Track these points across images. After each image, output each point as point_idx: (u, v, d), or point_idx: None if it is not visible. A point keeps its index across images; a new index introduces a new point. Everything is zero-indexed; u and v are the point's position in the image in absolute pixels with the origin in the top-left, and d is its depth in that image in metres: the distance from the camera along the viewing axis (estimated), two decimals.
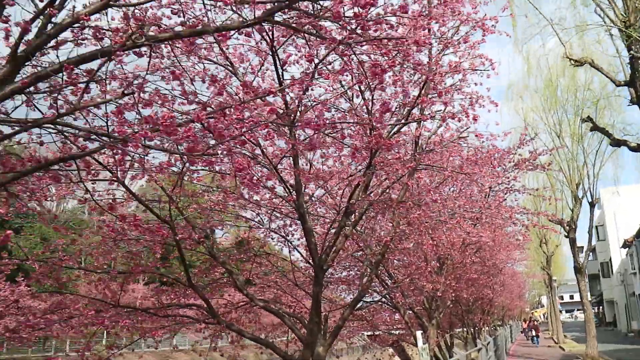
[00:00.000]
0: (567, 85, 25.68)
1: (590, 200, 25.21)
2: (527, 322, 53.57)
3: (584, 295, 25.76)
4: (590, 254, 27.36)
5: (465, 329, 28.83)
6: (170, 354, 43.74)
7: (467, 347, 29.23)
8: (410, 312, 16.54)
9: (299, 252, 10.36)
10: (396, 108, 9.32)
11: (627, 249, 52.89)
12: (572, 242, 25.67)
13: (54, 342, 38.46)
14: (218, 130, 4.59)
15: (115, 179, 6.93)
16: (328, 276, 12.61)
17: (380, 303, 17.79)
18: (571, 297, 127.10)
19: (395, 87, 7.22)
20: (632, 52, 10.92)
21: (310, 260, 9.31)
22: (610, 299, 67.04)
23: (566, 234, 25.78)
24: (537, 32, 17.92)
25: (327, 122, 6.56)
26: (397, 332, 20.05)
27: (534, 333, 41.03)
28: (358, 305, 12.05)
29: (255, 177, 7.45)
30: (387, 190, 9.71)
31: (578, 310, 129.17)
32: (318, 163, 9.68)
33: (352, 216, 9.81)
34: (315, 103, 6.95)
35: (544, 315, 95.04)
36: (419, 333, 10.89)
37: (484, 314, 31.42)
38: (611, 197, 51.63)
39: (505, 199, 13.41)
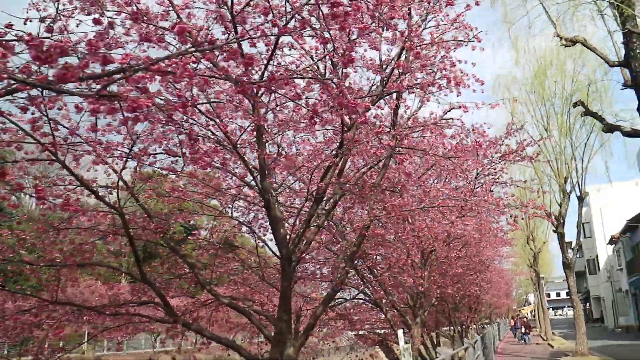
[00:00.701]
0: (555, 77, 24.98)
1: (579, 194, 24.52)
2: (515, 319, 52.99)
3: (573, 292, 25.01)
4: (577, 251, 26.59)
5: (452, 328, 28.04)
6: (154, 355, 42.56)
7: (454, 346, 28.49)
8: (394, 310, 15.71)
9: (266, 244, 9.45)
10: (372, 86, 8.53)
11: (614, 245, 52.80)
12: (561, 236, 24.94)
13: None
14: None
15: (53, 158, 6.05)
16: (301, 270, 11.72)
17: (362, 301, 16.98)
18: (557, 294, 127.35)
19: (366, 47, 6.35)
20: (627, 27, 10.14)
21: (278, 253, 8.43)
22: (597, 296, 66.99)
23: (554, 229, 25.06)
24: (525, 15, 17.18)
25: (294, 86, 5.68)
26: (382, 331, 19.22)
27: (524, 330, 39.84)
28: (334, 302, 11.16)
29: (209, 154, 6.56)
30: (363, 176, 8.86)
31: (569, 307, 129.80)
32: (288, 145, 8.82)
33: (326, 204, 8.98)
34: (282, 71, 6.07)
35: (531, 313, 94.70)
36: (400, 332, 10.06)
37: (471, 311, 30.69)
38: (597, 193, 51.48)
39: (492, 191, 12.66)
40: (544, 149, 23.42)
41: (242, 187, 9.17)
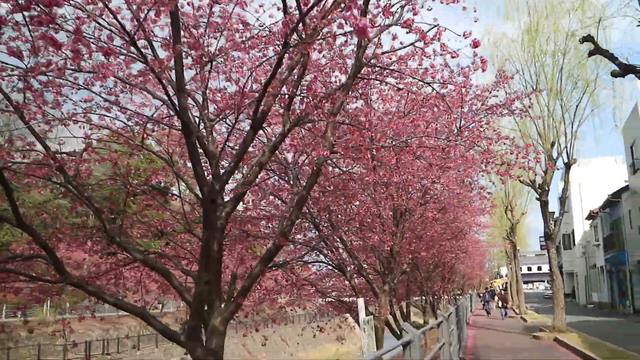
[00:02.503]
0: (548, 33, 22.96)
1: (566, 160, 22.71)
2: (487, 290, 51.86)
3: (554, 264, 23.31)
4: (561, 221, 24.85)
5: (423, 298, 26.45)
6: (117, 319, 40.51)
7: (425, 317, 26.99)
8: (361, 276, 13.89)
9: (183, 181, 7.37)
10: None
11: (592, 220, 51.71)
12: (544, 205, 23.14)
13: None
14: None
15: None
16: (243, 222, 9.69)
17: (324, 266, 15.15)
18: (529, 268, 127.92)
19: None
20: None
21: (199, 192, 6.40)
22: (571, 271, 66.44)
23: (538, 197, 23.27)
24: None
25: None
26: (349, 299, 17.47)
27: (501, 304, 37.45)
28: (283, 263, 9.19)
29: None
30: (323, 101, 6.82)
31: (539, 281, 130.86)
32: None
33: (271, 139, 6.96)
34: None
35: (502, 286, 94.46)
36: (361, 301, 8.15)
37: (444, 281, 29.12)
38: (577, 169, 50.08)
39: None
40: (533, 107, 21.58)
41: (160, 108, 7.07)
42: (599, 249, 49.57)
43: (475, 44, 6.60)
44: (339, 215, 12.35)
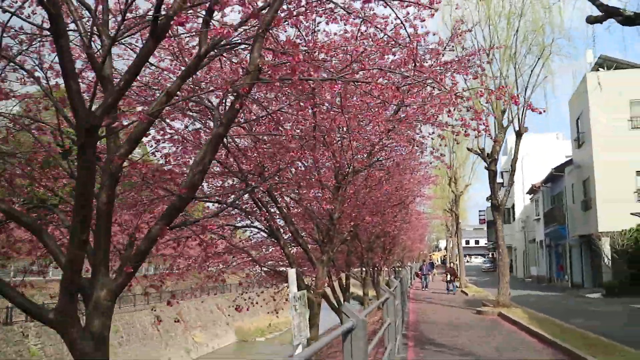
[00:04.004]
0: None
1: (517, 129, 21.73)
2: (425, 262, 51.57)
3: (500, 236, 22.40)
4: (508, 192, 23.97)
5: (363, 269, 25.27)
6: (45, 284, 37.77)
7: (365, 289, 25.89)
8: (298, 244, 12.45)
9: (51, 99, 5.61)
10: None
11: (533, 195, 51.91)
12: (493, 175, 22.12)
13: None
14: None
15: None
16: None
17: (256, 232, 13.60)
18: (467, 242, 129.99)
19: None
20: None
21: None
22: (509, 245, 67.02)
23: (486, 166, 22.25)
24: None
25: None
26: (287, 269, 16.00)
27: (449, 278, 36.03)
28: (189, 222, 7.56)
29: None
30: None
31: (475, 255, 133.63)
32: None
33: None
34: None
35: (441, 259, 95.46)
36: (291, 272, 6.65)
37: (385, 253, 28.01)
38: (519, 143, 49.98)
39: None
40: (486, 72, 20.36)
41: None
42: (539, 223, 49.86)
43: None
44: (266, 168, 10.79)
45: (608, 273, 30.71)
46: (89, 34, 5.46)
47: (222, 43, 5.43)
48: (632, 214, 27.62)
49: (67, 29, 4.69)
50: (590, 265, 35.47)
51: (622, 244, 28.76)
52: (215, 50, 5.52)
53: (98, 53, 5.54)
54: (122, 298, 37.70)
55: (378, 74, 6.67)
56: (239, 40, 5.89)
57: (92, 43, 5.51)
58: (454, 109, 7.50)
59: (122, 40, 6.31)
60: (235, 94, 5.42)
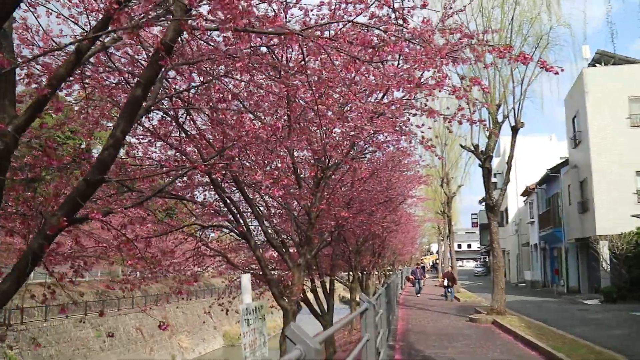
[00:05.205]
0: None
1: (513, 124, 20.48)
2: (418, 265, 50.34)
3: (495, 239, 21.02)
4: (504, 191, 22.63)
5: (351, 274, 23.92)
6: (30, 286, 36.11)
7: (353, 293, 24.57)
8: (268, 244, 11.18)
9: None
10: None
11: (527, 197, 50.67)
12: (487, 173, 20.82)
13: None
14: None
15: None
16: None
17: (228, 232, 12.32)
18: (459, 246, 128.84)
19: None
20: None
21: None
22: (502, 249, 65.91)
23: (481, 164, 20.96)
24: None
25: None
26: (274, 272, 14.88)
27: (446, 283, 33.75)
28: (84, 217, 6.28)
29: None
30: None
31: (467, 259, 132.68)
32: None
33: None
34: None
35: (432, 263, 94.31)
36: (246, 277, 5.38)
37: (375, 256, 26.69)
38: (516, 138, 48.73)
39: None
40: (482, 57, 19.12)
41: None
42: (534, 226, 48.59)
43: None
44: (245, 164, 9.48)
45: (606, 278, 29.45)
46: None
47: None
48: (632, 215, 26.36)
49: None
50: (587, 269, 34.26)
51: (621, 247, 27.49)
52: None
53: None
54: (106, 302, 36.22)
55: (350, 29, 5.38)
56: None
57: None
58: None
59: None
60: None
